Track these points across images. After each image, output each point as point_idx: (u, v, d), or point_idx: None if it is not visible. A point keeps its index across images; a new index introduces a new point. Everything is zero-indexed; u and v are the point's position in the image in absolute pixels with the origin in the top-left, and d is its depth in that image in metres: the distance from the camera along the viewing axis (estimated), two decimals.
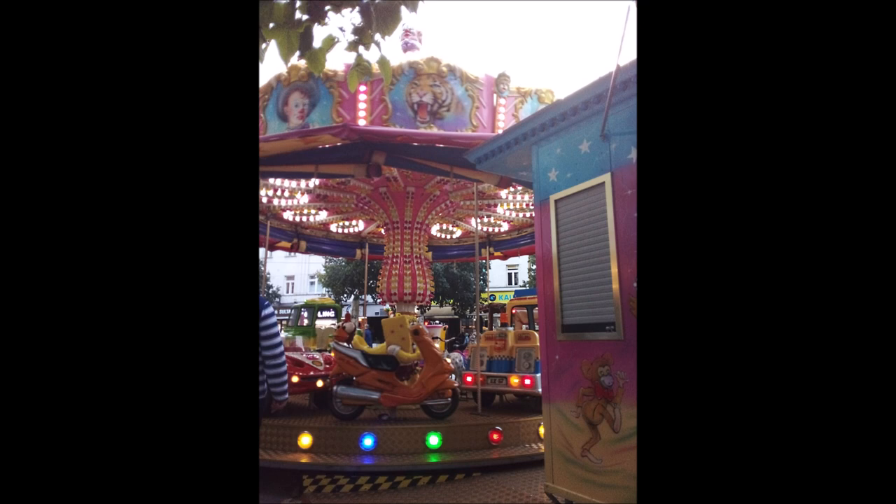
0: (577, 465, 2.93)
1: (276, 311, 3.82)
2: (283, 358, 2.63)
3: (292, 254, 11.39)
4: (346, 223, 9.17)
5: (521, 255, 10.83)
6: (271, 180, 6.26)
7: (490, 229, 9.45)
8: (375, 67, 1.93)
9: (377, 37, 1.73)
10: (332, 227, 9.47)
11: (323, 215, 8.42)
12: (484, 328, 9.25)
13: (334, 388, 5.05)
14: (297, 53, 1.70)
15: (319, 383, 5.88)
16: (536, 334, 5.26)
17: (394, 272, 7.13)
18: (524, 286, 23.53)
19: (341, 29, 1.73)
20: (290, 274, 29.14)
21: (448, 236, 9.87)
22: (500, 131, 4.88)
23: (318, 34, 1.81)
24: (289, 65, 2.25)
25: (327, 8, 1.69)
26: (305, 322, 12.54)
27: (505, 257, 10.41)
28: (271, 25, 1.65)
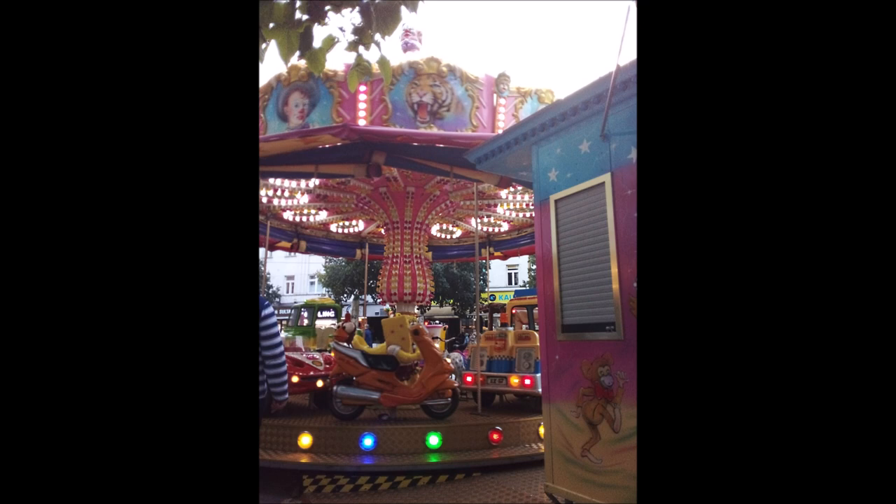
0: (577, 465, 2.93)
1: (276, 311, 3.82)
2: (284, 358, 2.63)
3: (292, 254, 11.39)
4: (346, 223, 9.16)
5: (521, 255, 10.83)
6: (271, 180, 6.26)
7: (490, 229, 9.45)
8: (375, 67, 1.93)
9: (377, 37, 1.73)
10: (332, 227, 9.47)
11: (323, 215, 8.42)
12: (484, 328, 9.25)
13: (334, 388, 5.05)
14: (297, 53, 1.70)
15: (319, 383, 5.88)
16: (536, 334, 5.26)
17: (394, 272, 7.13)
18: (524, 286, 23.53)
19: (341, 29, 1.73)
20: (290, 274, 29.14)
21: (448, 236, 9.87)
22: (500, 131, 4.87)
23: (318, 34, 1.81)
24: (289, 65, 2.25)
25: (327, 8, 1.69)
26: (305, 322, 12.54)
27: (505, 257, 10.41)
28: (271, 25, 1.65)
